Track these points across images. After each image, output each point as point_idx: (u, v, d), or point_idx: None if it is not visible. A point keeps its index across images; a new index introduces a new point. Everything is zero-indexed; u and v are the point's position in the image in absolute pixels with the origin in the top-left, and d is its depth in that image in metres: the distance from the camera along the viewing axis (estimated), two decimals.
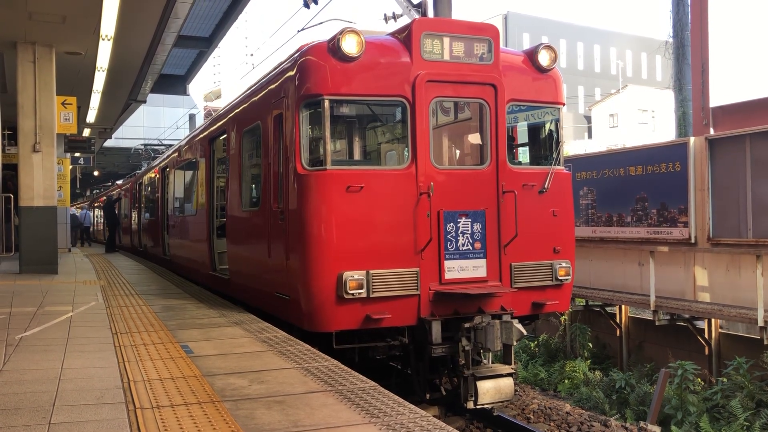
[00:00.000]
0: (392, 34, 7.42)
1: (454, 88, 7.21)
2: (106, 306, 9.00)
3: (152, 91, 23.49)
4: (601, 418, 9.24)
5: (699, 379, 10.70)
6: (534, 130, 8.16)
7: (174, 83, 35.21)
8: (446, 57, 7.13)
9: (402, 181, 6.89)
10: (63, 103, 16.76)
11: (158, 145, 35.62)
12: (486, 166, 7.27)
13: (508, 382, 7.03)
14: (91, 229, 39.43)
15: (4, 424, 3.87)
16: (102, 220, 25.69)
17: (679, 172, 12.29)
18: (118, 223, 25.43)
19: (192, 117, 36.49)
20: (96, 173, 46.25)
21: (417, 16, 11.76)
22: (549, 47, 7.72)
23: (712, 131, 13.68)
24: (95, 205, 39.04)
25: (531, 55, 7.71)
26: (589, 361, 12.97)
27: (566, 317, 14.00)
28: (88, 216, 35.71)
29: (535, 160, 8.12)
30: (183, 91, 37.32)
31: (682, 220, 12.25)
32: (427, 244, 6.84)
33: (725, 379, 10.23)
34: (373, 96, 7.06)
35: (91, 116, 22.25)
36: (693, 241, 12.01)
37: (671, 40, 17.40)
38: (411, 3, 12.17)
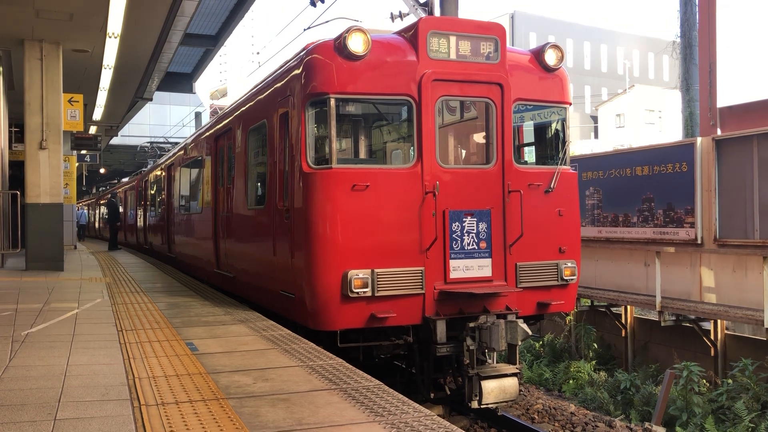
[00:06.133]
0: (398, 33, 7.41)
1: (461, 87, 7.19)
2: (111, 303, 9.02)
3: (158, 88, 23.53)
4: (606, 418, 9.22)
5: (704, 381, 10.66)
6: (540, 129, 8.14)
7: (180, 81, 35.27)
8: (453, 56, 7.12)
9: (407, 180, 6.88)
10: (70, 101, 16.83)
11: (164, 143, 35.68)
12: (492, 166, 7.26)
13: (513, 381, 7.02)
14: (97, 226, 39.78)
15: (10, 420, 3.88)
16: (105, 218, 25.94)
17: (686, 173, 12.24)
18: (120, 221, 25.57)
19: (198, 115, 36.53)
20: (102, 171, 46.39)
21: (423, 15, 11.74)
22: (556, 46, 7.70)
23: (719, 131, 13.62)
24: (101, 202, 39.30)
25: (537, 55, 7.69)
26: (593, 362, 12.94)
27: (571, 317, 13.97)
28: (84, 215, 36.73)
29: (541, 159, 8.10)
30: (189, 89, 37.38)
31: (688, 220, 12.21)
32: (432, 244, 6.83)
33: (731, 381, 10.19)
34: (379, 95, 7.06)
35: (97, 114, 22.33)
36: (699, 241, 11.97)
37: (678, 40, 17.34)
38: (417, 2, 12.15)
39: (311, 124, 7.10)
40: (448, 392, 7.85)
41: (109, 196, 27.02)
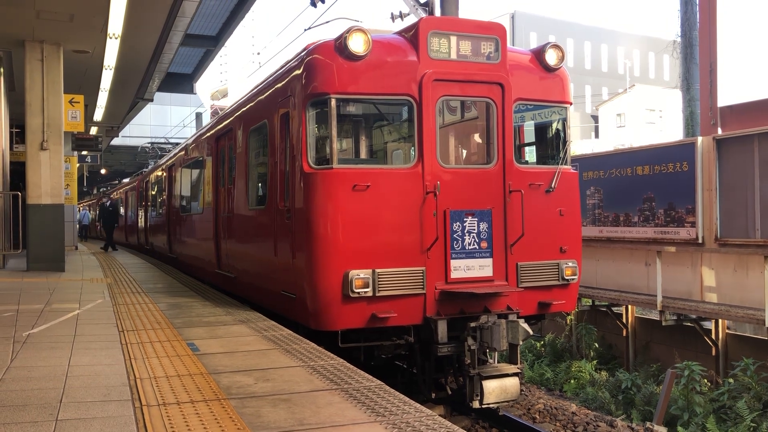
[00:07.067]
0: (399, 33, 7.41)
1: (461, 87, 7.19)
2: (112, 303, 9.03)
3: (159, 89, 23.55)
4: (607, 418, 9.22)
5: (705, 380, 10.66)
6: (541, 129, 8.14)
7: (181, 82, 35.30)
8: (453, 56, 7.12)
9: (408, 180, 6.88)
10: (70, 102, 16.83)
11: (165, 143, 35.72)
12: (493, 166, 7.26)
13: (514, 381, 7.02)
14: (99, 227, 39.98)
15: (11, 420, 3.89)
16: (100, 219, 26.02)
17: (687, 172, 12.23)
18: (116, 223, 25.64)
19: (199, 116, 36.57)
20: (103, 171, 46.43)
21: (424, 15, 11.74)
22: (556, 46, 7.70)
23: (719, 131, 13.61)
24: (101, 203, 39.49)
25: (538, 54, 7.69)
26: (595, 362, 12.94)
27: (572, 317, 13.97)
28: (86, 216, 37.11)
29: (542, 159, 8.10)
30: (190, 90, 37.41)
31: (689, 220, 12.20)
32: (433, 244, 6.83)
33: (732, 380, 10.19)
34: (379, 95, 7.06)
35: (98, 114, 22.34)
36: (700, 241, 11.96)
37: (679, 39, 17.33)
38: (418, 2, 12.15)
39: (312, 125, 7.10)
40: (450, 392, 7.85)
41: (105, 199, 27.00)
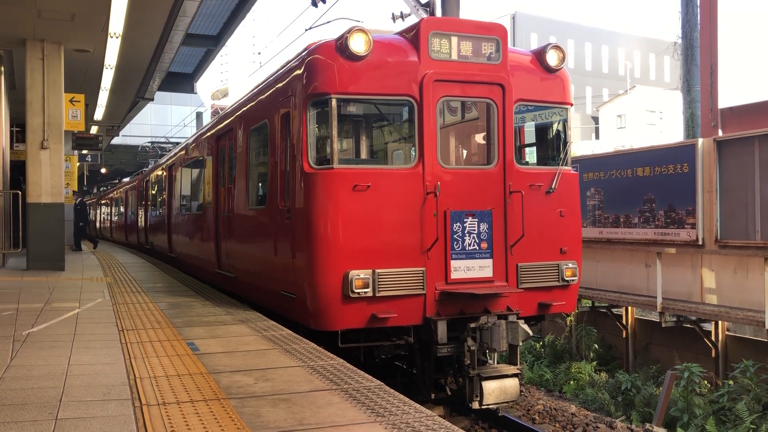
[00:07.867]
0: (400, 34, 7.41)
1: (462, 88, 7.20)
2: (112, 303, 9.03)
3: (160, 88, 23.56)
4: (607, 419, 9.23)
5: (705, 382, 10.65)
6: (541, 130, 8.14)
7: (181, 81, 35.30)
8: (454, 56, 7.12)
9: (409, 181, 6.89)
10: (71, 101, 16.84)
11: (165, 143, 35.71)
12: (493, 166, 7.26)
13: (514, 382, 7.02)
14: (98, 226, 39.88)
15: (11, 419, 3.89)
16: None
17: (687, 174, 12.23)
18: (86, 223, 25.95)
19: (199, 115, 36.56)
20: (103, 170, 46.44)
21: (425, 16, 11.75)
22: (557, 47, 7.70)
23: (720, 133, 13.61)
24: (102, 202, 39.39)
25: (539, 55, 7.70)
26: (594, 363, 12.93)
27: (572, 318, 13.96)
28: None
29: (542, 160, 8.10)
30: (190, 89, 37.41)
31: (689, 221, 12.20)
32: (433, 244, 6.83)
33: (732, 382, 10.18)
34: (380, 95, 7.06)
35: (98, 113, 22.34)
36: (700, 242, 11.95)
37: (680, 40, 17.32)
38: (419, 2, 12.16)
39: (313, 124, 7.10)
40: (449, 393, 7.85)
41: (78, 199, 27.05)
